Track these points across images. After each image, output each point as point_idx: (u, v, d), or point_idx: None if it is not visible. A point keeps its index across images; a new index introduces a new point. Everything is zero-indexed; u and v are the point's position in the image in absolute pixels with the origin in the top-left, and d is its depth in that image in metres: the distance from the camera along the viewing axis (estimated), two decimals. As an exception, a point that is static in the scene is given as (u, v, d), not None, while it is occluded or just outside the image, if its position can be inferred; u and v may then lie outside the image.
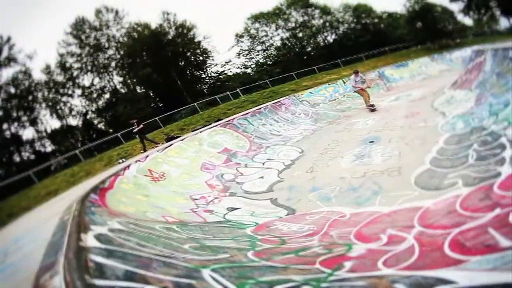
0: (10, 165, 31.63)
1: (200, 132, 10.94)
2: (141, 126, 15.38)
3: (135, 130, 15.66)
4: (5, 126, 32.27)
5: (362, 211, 4.37)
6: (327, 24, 45.62)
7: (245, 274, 2.46)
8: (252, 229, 4.51)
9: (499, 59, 7.53)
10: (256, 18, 43.18)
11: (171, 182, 7.43)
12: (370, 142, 8.10)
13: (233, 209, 5.90)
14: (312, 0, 44.87)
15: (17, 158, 32.76)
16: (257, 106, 17.13)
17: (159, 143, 15.24)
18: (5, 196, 17.76)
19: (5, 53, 32.77)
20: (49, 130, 35.06)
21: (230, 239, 4.02)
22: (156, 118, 22.45)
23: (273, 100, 18.38)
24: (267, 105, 15.00)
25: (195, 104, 25.10)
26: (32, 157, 33.10)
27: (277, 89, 25.01)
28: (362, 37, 43.12)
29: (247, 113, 13.41)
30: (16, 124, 33.28)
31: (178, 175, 7.85)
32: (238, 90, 27.13)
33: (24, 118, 33.72)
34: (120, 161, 15.67)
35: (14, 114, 32.93)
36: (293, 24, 44.55)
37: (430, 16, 40.49)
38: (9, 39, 33.11)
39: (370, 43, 40.60)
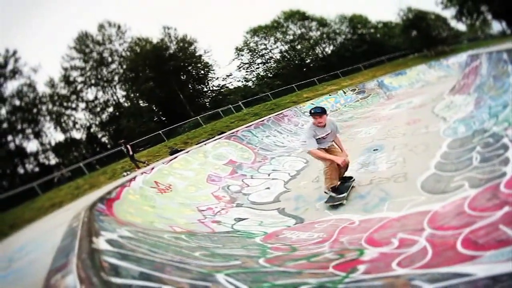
0: (14, 177, 31.76)
1: (205, 144, 11.03)
2: (128, 147, 16.02)
3: (125, 151, 16.29)
4: (9, 138, 32.73)
5: (371, 217, 4.39)
6: (325, 35, 46.45)
7: (260, 278, 2.49)
8: (261, 238, 4.52)
9: (494, 62, 7.68)
10: (255, 31, 44.02)
11: (177, 193, 7.49)
12: (374, 150, 8.16)
13: (241, 219, 5.91)
14: (308, 12, 45.65)
15: (21, 170, 33.06)
16: (259, 118, 17.32)
17: (146, 162, 15.75)
18: (9, 207, 17.84)
19: (10, 66, 33.60)
20: (53, 143, 35.56)
21: (240, 247, 4.04)
22: (160, 132, 22.63)
23: (275, 112, 18.55)
24: (270, 117, 15.17)
25: (198, 117, 25.27)
26: (36, 169, 33.45)
27: (278, 101, 25.26)
28: (360, 47, 43.76)
29: (251, 125, 13.55)
30: (20, 136, 33.70)
31: (184, 187, 7.91)
32: (240, 103, 27.38)
33: (29, 131, 34.27)
34: (125, 174, 15.88)
35: (19, 127, 33.34)
36: (291, 37, 45.34)
37: (424, 24, 41.09)
38: (14, 52, 33.74)
39: (368, 53, 41.14)
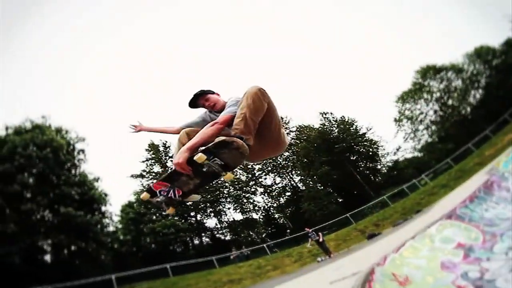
0: (188, 247, 35.45)
1: (428, 227, 10.10)
2: (319, 234, 16.29)
3: (311, 237, 16.42)
4: (192, 213, 37.78)
5: None
6: (467, 81, 41.46)
7: None
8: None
9: None
10: (403, 98, 42.89)
11: (417, 286, 6.86)
12: None
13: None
14: (438, 64, 42.22)
15: (196, 241, 37.25)
16: (450, 190, 15.64)
17: (331, 253, 15.63)
18: (183, 273, 19.27)
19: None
20: (231, 220, 39.66)
21: None
22: (348, 215, 22.48)
23: (463, 180, 16.50)
24: (479, 188, 13.29)
25: (385, 197, 24.35)
26: (210, 242, 37.27)
27: (461, 166, 22.26)
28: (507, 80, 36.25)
29: (464, 200, 12.03)
30: (201, 213, 38.68)
31: (421, 278, 7.15)
32: (423, 176, 25.64)
33: (210, 209, 39.05)
34: (319, 259, 15.95)
35: (201, 205, 38.54)
36: (438, 94, 42.46)
37: None
38: None
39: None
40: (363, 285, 6.30)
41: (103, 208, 30.81)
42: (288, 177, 40.67)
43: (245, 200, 40.00)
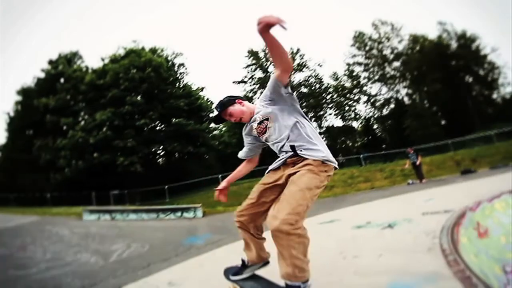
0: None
1: None
2: (418, 156, 16.00)
3: (410, 158, 16.38)
4: None
5: None
6: None
7: None
8: None
9: None
10: None
11: (491, 242, 6.69)
12: None
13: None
14: None
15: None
16: None
17: (423, 179, 15.50)
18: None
19: (297, 61, 40.56)
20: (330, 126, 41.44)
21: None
22: (449, 141, 21.97)
23: None
24: None
25: (492, 132, 22.57)
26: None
27: None
28: None
29: None
30: None
31: (497, 236, 7.32)
32: None
33: (311, 115, 40.65)
34: (409, 182, 16.27)
35: (303, 109, 40.25)
36: None
37: None
38: (298, 50, 40.98)
39: None
40: (452, 227, 6.26)
41: (211, 115, 33.88)
42: (395, 89, 39.06)
43: (347, 107, 40.45)
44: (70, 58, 35.53)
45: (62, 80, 32.91)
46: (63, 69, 33.49)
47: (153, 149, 32.24)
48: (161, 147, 32.33)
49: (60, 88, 31.93)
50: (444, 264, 4.58)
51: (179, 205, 15.36)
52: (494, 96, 36.48)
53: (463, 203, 7.70)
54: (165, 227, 11.60)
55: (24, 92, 35.13)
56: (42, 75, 35.00)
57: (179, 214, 13.12)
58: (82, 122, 30.22)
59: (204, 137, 32.61)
